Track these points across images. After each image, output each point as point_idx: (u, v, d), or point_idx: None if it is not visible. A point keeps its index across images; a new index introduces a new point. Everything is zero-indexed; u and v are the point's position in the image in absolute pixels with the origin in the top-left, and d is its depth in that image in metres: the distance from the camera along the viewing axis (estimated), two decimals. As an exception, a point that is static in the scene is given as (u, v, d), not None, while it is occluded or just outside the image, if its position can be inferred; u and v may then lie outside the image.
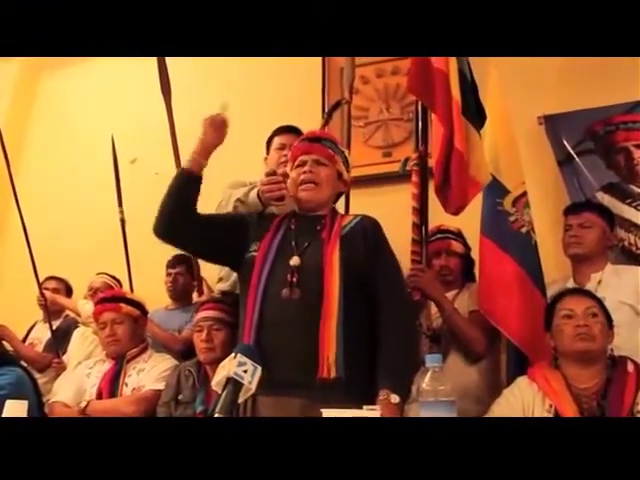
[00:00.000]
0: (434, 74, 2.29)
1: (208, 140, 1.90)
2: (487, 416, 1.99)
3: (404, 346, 1.74)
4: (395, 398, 1.61)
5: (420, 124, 2.57)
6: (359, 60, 3.09)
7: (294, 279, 1.76)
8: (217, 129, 1.89)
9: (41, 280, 3.60)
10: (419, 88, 2.41)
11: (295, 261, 1.80)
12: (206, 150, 1.91)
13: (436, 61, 2.28)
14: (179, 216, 1.88)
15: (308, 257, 1.81)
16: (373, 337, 1.76)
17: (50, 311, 3.54)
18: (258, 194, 2.15)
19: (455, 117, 2.25)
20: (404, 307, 1.87)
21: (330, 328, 1.67)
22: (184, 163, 1.94)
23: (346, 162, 2.01)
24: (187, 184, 1.90)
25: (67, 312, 3.68)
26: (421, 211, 2.44)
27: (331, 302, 1.70)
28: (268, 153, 2.55)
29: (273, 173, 2.24)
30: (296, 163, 1.97)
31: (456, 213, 2.39)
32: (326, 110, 3.40)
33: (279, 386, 1.67)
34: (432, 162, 2.54)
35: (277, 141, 2.51)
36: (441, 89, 2.28)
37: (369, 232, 1.88)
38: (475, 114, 2.40)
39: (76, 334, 3.40)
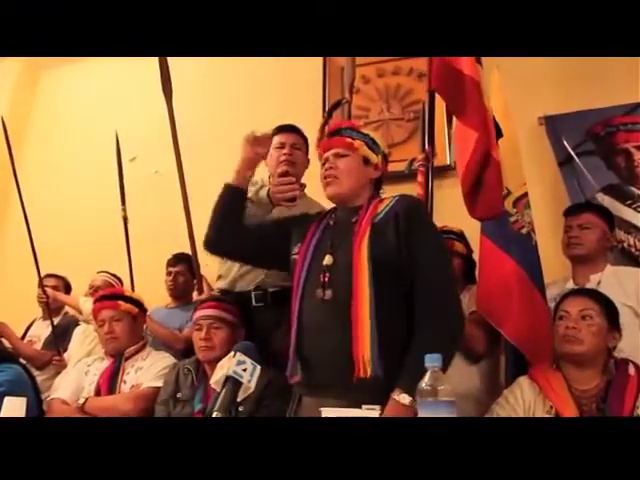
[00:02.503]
0: (465, 81, 2.27)
1: (251, 156, 2.00)
2: (487, 416, 1.99)
3: (434, 343, 1.50)
4: (405, 398, 1.53)
5: (427, 125, 2.56)
6: (360, 60, 3.09)
7: (326, 279, 1.72)
8: (259, 145, 2.00)
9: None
10: (445, 89, 2.39)
11: (328, 260, 1.75)
12: (246, 165, 2.01)
13: (467, 68, 2.26)
14: (229, 229, 1.96)
15: (341, 254, 1.75)
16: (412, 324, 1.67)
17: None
18: (268, 194, 2.15)
19: (491, 127, 2.26)
20: (442, 295, 1.69)
21: (363, 326, 1.61)
22: (231, 180, 2.01)
23: (374, 144, 1.91)
24: (234, 198, 1.99)
25: (66, 309, 3.69)
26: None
27: (361, 299, 1.63)
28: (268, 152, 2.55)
29: (286, 173, 2.24)
30: (322, 162, 1.92)
31: (482, 219, 2.42)
32: (326, 109, 3.39)
33: (320, 388, 1.67)
34: (438, 162, 2.56)
35: (276, 140, 2.50)
36: (474, 97, 2.26)
37: (402, 215, 1.75)
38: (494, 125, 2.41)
39: (77, 331, 3.40)
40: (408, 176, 2.70)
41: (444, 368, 1.22)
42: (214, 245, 2.00)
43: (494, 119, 2.44)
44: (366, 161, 1.89)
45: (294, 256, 1.86)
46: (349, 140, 1.87)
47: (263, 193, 2.16)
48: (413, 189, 2.50)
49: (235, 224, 1.95)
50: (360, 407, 1.34)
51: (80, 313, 3.47)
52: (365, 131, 1.94)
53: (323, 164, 1.90)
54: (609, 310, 1.99)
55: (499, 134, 2.45)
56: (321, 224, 1.90)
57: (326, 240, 1.83)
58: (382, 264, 1.68)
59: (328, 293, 1.70)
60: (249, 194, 2.21)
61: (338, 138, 1.89)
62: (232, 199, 1.98)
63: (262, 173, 2.46)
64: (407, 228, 1.73)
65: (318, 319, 1.71)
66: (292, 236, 1.94)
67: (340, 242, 1.79)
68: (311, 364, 1.70)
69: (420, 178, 2.48)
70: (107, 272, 3.57)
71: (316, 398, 1.66)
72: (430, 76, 2.47)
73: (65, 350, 3.38)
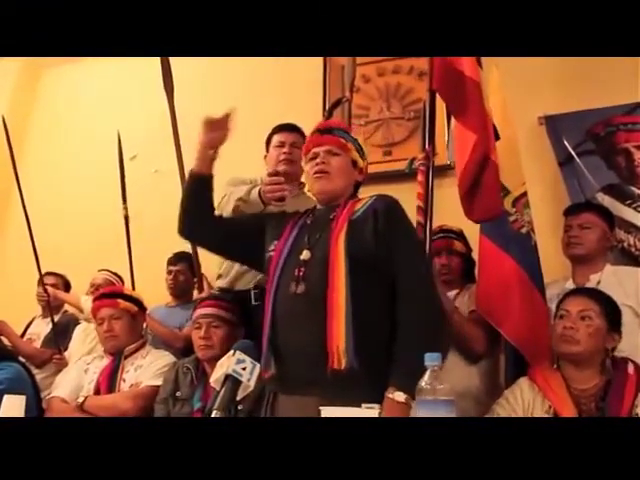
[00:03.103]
0: (465, 82, 2.27)
1: (206, 141, 1.94)
2: (487, 416, 2.00)
3: (420, 341, 1.55)
4: (400, 396, 1.54)
5: (427, 124, 2.57)
6: (360, 59, 3.09)
7: (301, 273, 1.73)
8: (214, 129, 1.93)
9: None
10: (446, 89, 2.39)
11: (305, 255, 1.77)
12: (204, 150, 1.96)
13: (468, 69, 2.27)
14: (197, 216, 1.99)
15: (318, 249, 1.77)
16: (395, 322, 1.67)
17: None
18: (259, 193, 2.15)
19: (490, 130, 2.26)
20: (422, 292, 1.70)
21: (338, 318, 1.62)
22: (193, 165, 1.99)
23: (360, 149, 1.96)
24: (197, 185, 1.98)
25: (66, 308, 3.69)
26: (426, 210, 2.44)
27: (337, 292, 1.64)
28: (268, 151, 2.55)
29: (276, 173, 2.24)
30: (309, 156, 1.93)
31: (478, 221, 2.42)
32: (327, 108, 3.40)
33: (295, 383, 1.67)
34: (438, 161, 2.58)
35: (276, 139, 2.51)
36: (474, 99, 2.26)
37: (381, 213, 1.78)
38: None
39: (78, 330, 3.41)
40: (408, 175, 2.70)
41: None
42: (185, 231, 2.02)
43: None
44: (354, 163, 1.93)
45: (270, 253, 1.87)
46: (343, 141, 1.91)
47: (255, 192, 2.17)
48: (413, 188, 2.51)
49: (202, 211, 1.98)
50: (337, 402, 1.34)
51: (81, 312, 3.47)
52: (354, 136, 1.98)
53: (312, 158, 1.92)
54: (610, 311, 1.98)
55: (496, 137, 2.45)
56: (298, 222, 1.91)
57: (303, 237, 1.85)
58: (359, 259, 1.69)
59: (301, 287, 1.72)
60: (241, 193, 2.22)
61: (331, 137, 1.91)
62: (195, 186, 1.98)
63: (256, 173, 2.47)
64: (386, 226, 1.75)
65: (291, 313, 1.72)
66: (266, 233, 1.95)
67: (317, 238, 1.81)
68: (285, 358, 1.69)
69: (420, 177, 2.49)
70: (108, 270, 3.57)
71: (292, 396, 1.68)
72: (431, 76, 2.48)
73: (65, 349, 3.38)
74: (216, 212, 2.40)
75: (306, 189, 2.54)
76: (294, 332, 1.70)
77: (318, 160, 1.88)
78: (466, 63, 2.27)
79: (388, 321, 1.68)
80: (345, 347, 1.59)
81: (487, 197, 2.28)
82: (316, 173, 1.88)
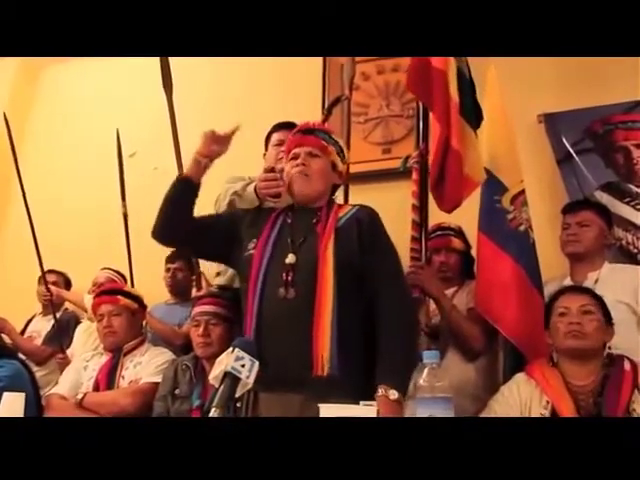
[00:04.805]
0: (432, 73, 2.29)
1: (205, 152, 1.93)
2: (485, 412, 2.01)
3: (403, 342, 1.70)
4: (394, 394, 1.58)
5: (421, 122, 2.57)
6: (359, 57, 3.08)
7: (289, 278, 1.75)
8: (216, 143, 1.93)
9: (40, 274, 3.59)
10: (418, 87, 2.41)
11: (291, 259, 1.78)
12: (203, 160, 1.93)
13: (435, 61, 2.28)
14: (176, 220, 1.94)
15: (303, 253, 1.80)
16: (373, 331, 1.74)
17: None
18: (255, 189, 2.16)
19: (453, 117, 2.26)
20: (403, 300, 1.81)
21: (324, 326, 1.66)
22: (185, 170, 1.97)
23: (341, 152, 1.98)
24: (184, 190, 1.94)
25: (67, 305, 3.69)
26: (421, 208, 2.44)
27: (324, 300, 1.69)
28: (267, 149, 2.55)
29: (271, 170, 2.25)
30: (290, 156, 1.95)
31: (449, 211, 2.42)
32: (326, 106, 3.40)
33: (278, 384, 1.68)
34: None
35: (275, 137, 2.51)
36: (439, 88, 2.28)
37: (364, 223, 1.85)
38: (472, 113, 2.42)
39: (80, 329, 3.41)
40: (402, 173, 2.71)
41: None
42: (161, 234, 1.96)
43: (476, 101, 2.45)
44: (334, 166, 1.96)
45: (250, 252, 1.86)
46: (324, 143, 1.93)
47: (250, 188, 2.18)
48: (407, 186, 2.52)
49: (183, 215, 1.92)
50: (319, 401, 1.37)
51: (84, 310, 3.47)
52: (336, 138, 2.00)
53: (292, 158, 1.93)
54: (604, 305, 2.01)
55: (480, 116, 2.46)
56: (277, 221, 1.92)
57: (285, 238, 1.86)
58: (345, 266, 1.75)
59: (291, 292, 1.74)
60: (237, 188, 2.23)
61: (313, 138, 1.93)
62: (182, 190, 1.93)
63: (254, 172, 2.47)
64: (370, 238, 1.83)
65: (279, 317, 1.73)
66: (242, 232, 1.95)
67: (301, 242, 1.83)
68: (269, 361, 1.66)
69: (415, 175, 2.49)
70: (110, 269, 3.57)
71: (274, 393, 1.71)
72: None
73: (67, 346, 3.38)
74: (214, 208, 2.42)
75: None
76: (283, 336, 1.71)
77: (299, 161, 1.91)
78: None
79: (366, 330, 1.75)
80: (329, 356, 1.65)
81: (450, 186, 2.29)
82: (295, 174, 1.90)
